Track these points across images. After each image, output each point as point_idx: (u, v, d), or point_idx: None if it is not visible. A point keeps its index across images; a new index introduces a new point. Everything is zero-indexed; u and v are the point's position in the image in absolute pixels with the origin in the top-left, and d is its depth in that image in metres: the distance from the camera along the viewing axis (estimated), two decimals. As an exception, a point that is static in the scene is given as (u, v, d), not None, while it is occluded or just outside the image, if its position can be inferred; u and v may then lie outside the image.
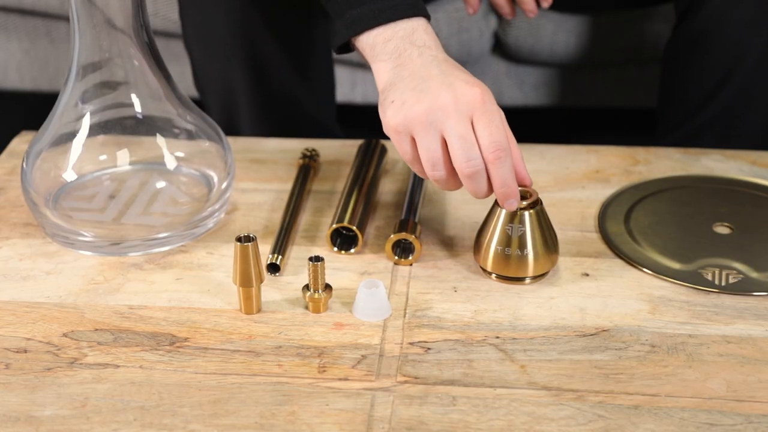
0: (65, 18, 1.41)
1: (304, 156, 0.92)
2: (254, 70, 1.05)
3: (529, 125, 1.53)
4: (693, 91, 1.06)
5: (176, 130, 0.84)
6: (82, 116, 0.81)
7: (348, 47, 0.81)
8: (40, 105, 1.09)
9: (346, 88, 1.44)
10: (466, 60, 1.36)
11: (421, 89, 0.73)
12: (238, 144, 0.96)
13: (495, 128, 0.72)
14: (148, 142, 0.83)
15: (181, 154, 0.84)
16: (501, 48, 1.37)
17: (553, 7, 1.28)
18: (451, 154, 0.72)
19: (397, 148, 0.75)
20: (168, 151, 0.83)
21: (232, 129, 1.11)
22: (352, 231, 0.79)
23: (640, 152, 0.94)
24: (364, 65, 1.39)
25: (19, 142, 0.96)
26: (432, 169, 0.73)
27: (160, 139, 0.83)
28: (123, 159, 0.84)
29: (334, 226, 0.79)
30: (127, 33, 0.79)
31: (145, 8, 0.79)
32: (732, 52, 1.01)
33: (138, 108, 0.82)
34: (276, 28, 1.03)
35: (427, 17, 0.79)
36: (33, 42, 1.47)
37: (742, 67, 1.01)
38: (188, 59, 1.11)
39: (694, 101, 1.05)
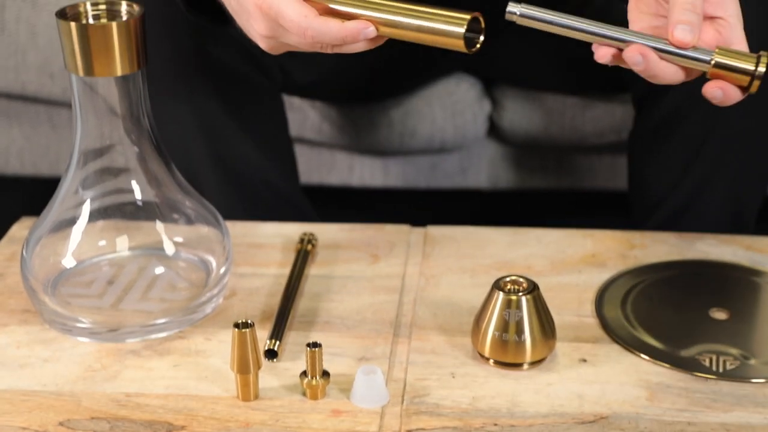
0: (67, 104, 1.43)
1: (302, 240, 0.92)
2: (210, 144, 1.04)
3: (525, 208, 1.55)
4: (658, 180, 1.07)
5: (175, 216, 0.84)
6: (82, 203, 0.81)
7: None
8: (41, 190, 1.10)
9: (344, 172, 1.45)
10: (461, 143, 1.38)
11: (235, 10, 0.79)
12: (236, 228, 0.97)
13: None
14: (147, 228, 0.84)
15: (180, 240, 0.84)
16: (496, 132, 1.38)
17: (546, 89, 1.30)
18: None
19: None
20: (167, 236, 0.84)
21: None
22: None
23: (636, 236, 0.95)
24: (360, 149, 1.41)
25: (19, 228, 0.97)
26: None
27: (159, 225, 0.84)
28: (122, 245, 0.84)
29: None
30: (129, 120, 0.80)
31: (146, 96, 0.81)
32: (691, 142, 1.03)
33: (138, 195, 0.82)
34: (228, 102, 1.04)
35: None
36: (35, 128, 1.49)
37: (701, 155, 1.02)
38: None
39: (661, 190, 1.07)
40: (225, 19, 0.89)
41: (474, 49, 0.75)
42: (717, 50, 0.71)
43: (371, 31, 0.75)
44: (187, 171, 1.05)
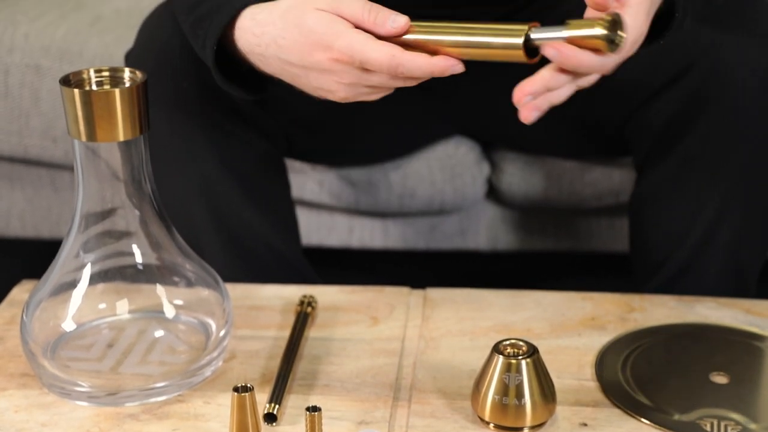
0: (69, 167, 1.44)
1: (302, 303, 0.93)
2: (212, 209, 1.05)
3: (524, 270, 1.55)
4: (659, 241, 1.07)
5: (176, 278, 0.85)
6: (83, 266, 0.82)
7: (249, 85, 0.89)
8: (41, 252, 1.10)
9: (343, 234, 1.45)
10: (460, 205, 1.38)
11: (296, 73, 0.83)
12: (237, 291, 0.97)
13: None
14: (147, 291, 0.84)
15: (180, 302, 0.84)
16: (495, 194, 1.39)
17: (545, 152, 1.31)
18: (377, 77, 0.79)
19: (357, 100, 0.82)
20: (167, 299, 0.84)
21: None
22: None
23: (635, 299, 0.95)
24: (360, 211, 1.41)
25: (20, 291, 0.97)
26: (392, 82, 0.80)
27: (159, 288, 0.84)
28: (122, 308, 0.84)
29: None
30: (130, 184, 0.81)
31: (148, 160, 0.81)
32: (692, 204, 1.03)
33: (139, 258, 0.83)
34: (231, 168, 1.04)
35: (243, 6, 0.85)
36: (37, 190, 1.50)
37: (702, 217, 1.03)
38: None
39: (662, 251, 1.07)
40: (261, 86, 0.91)
41: (536, 59, 0.77)
42: (567, 22, 0.75)
43: (459, 68, 0.78)
44: (189, 233, 1.05)
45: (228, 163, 1.04)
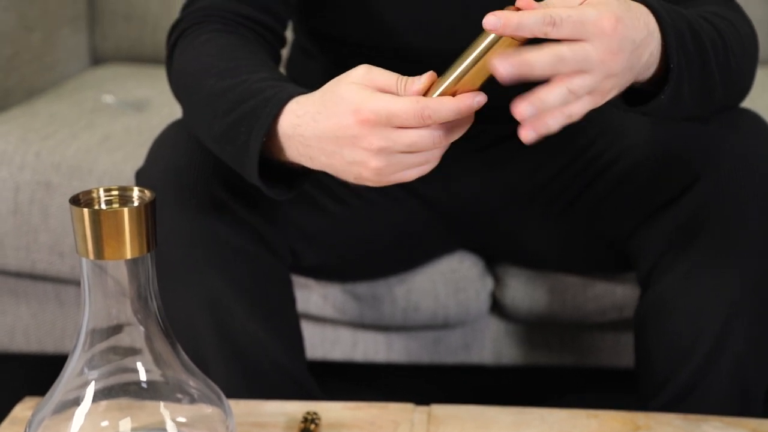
0: (74, 282, 1.44)
1: (305, 419, 0.92)
2: (218, 326, 1.05)
3: (529, 384, 1.54)
4: (664, 358, 1.07)
5: (179, 395, 0.84)
6: (87, 383, 0.81)
7: (286, 184, 0.91)
8: (45, 367, 1.10)
9: (347, 347, 1.45)
10: (464, 319, 1.39)
11: (332, 150, 0.83)
12: (239, 407, 0.96)
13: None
14: (150, 408, 0.83)
15: (183, 420, 0.84)
16: (499, 308, 1.39)
17: (549, 267, 1.32)
18: (407, 134, 0.80)
19: (394, 179, 0.82)
20: (170, 417, 0.83)
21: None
22: None
23: (641, 417, 0.94)
24: (364, 325, 1.41)
25: (22, 409, 0.96)
26: (434, 141, 0.81)
27: (162, 405, 0.83)
28: (125, 426, 0.84)
29: None
30: (137, 301, 0.81)
31: (154, 277, 0.82)
32: (696, 320, 1.04)
33: (143, 376, 0.82)
34: (236, 284, 1.05)
35: (288, 98, 0.88)
36: (41, 305, 1.50)
37: (707, 333, 1.03)
38: None
39: (667, 368, 1.06)
40: (296, 182, 0.93)
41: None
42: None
43: (482, 98, 0.80)
44: (193, 347, 1.06)
45: (234, 278, 1.05)
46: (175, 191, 1.02)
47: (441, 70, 0.83)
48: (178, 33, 1.06)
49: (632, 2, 0.84)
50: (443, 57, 0.83)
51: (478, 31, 0.79)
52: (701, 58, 0.90)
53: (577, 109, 0.81)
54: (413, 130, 0.81)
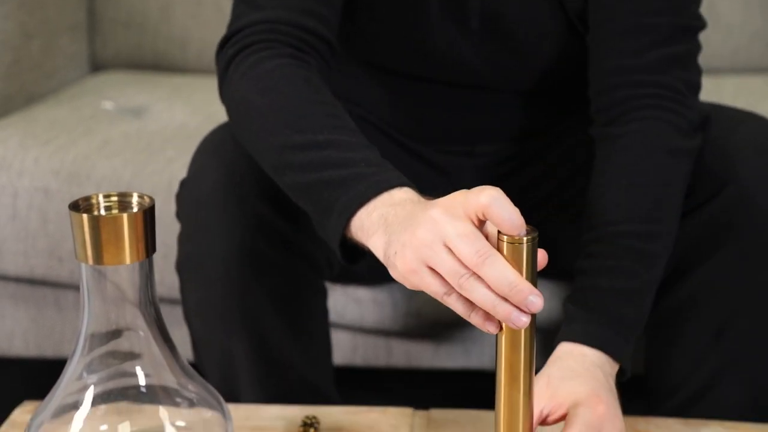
0: (73, 287, 1.45)
1: (305, 424, 0.92)
2: (254, 342, 1.07)
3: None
4: (675, 366, 1.07)
5: (178, 400, 0.84)
6: (86, 387, 0.81)
7: (353, 252, 0.84)
8: (44, 371, 1.10)
9: (347, 352, 1.45)
10: (464, 325, 1.38)
11: (410, 224, 0.74)
12: (239, 411, 0.96)
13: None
14: (149, 412, 0.83)
15: (182, 424, 0.84)
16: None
17: (556, 274, 1.32)
18: (458, 255, 0.70)
19: (426, 290, 0.74)
20: (169, 421, 0.83)
21: (231, 396, 1.11)
22: None
23: (641, 422, 0.94)
24: (364, 329, 1.41)
25: (21, 413, 0.96)
26: (459, 279, 0.70)
27: (161, 409, 0.83)
28: (124, 430, 0.84)
29: None
30: (136, 305, 0.81)
31: (153, 282, 0.82)
32: (708, 330, 1.04)
33: (142, 380, 0.83)
34: (275, 300, 1.06)
35: (409, 185, 0.82)
36: (40, 310, 1.50)
37: (719, 343, 1.03)
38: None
39: (678, 376, 1.06)
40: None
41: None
42: None
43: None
44: (226, 363, 1.06)
45: (274, 294, 1.05)
46: (220, 207, 1.02)
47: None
48: (237, 48, 0.98)
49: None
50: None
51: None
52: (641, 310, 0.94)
53: None
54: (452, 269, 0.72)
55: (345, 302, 1.37)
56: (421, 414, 0.96)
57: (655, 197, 0.96)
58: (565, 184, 1.16)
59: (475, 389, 1.52)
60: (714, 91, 1.52)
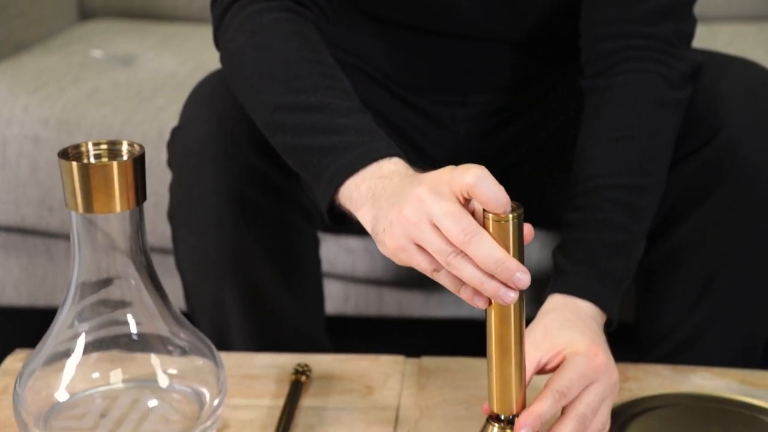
0: (64, 236, 1.44)
1: (297, 371, 0.93)
2: (246, 290, 1.07)
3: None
4: (665, 314, 1.08)
5: (170, 348, 0.85)
6: (77, 336, 0.82)
7: (339, 214, 0.84)
8: (36, 321, 1.10)
9: (339, 301, 1.45)
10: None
11: (397, 201, 0.75)
12: (231, 359, 0.97)
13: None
14: (141, 360, 0.84)
15: (173, 371, 0.84)
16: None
17: (550, 223, 1.32)
18: (445, 234, 0.71)
19: (416, 267, 0.74)
20: (161, 369, 0.84)
21: (222, 344, 1.12)
22: None
23: (630, 369, 0.95)
24: (356, 279, 1.42)
25: (13, 361, 0.97)
26: (446, 258, 0.71)
27: (153, 357, 0.84)
28: (116, 377, 0.84)
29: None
30: (126, 254, 0.81)
31: (144, 230, 0.82)
32: (699, 278, 1.04)
33: (133, 328, 0.83)
34: (267, 249, 1.06)
35: (399, 155, 0.82)
36: (32, 259, 1.50)
37: (709, 291, 1.04)
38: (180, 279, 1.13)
39: (668, 323, 1.07)
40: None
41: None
42: None
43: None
44: (217, 312, 1.06)
45: (266, 242, 1.05)
46: (212, 155, 1.01)
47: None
48: None
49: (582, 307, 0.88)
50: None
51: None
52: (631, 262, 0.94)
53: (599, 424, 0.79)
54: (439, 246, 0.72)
55: (337, 252, 1.37)
56: (412, 362, 0.97)
57: (643, 149, 0.95)
58: (558, 134, 1.16)
59: (465, 337, 1.53)
60: (708, 38, 1.52)
